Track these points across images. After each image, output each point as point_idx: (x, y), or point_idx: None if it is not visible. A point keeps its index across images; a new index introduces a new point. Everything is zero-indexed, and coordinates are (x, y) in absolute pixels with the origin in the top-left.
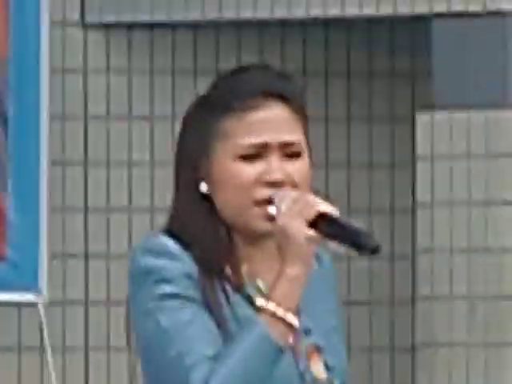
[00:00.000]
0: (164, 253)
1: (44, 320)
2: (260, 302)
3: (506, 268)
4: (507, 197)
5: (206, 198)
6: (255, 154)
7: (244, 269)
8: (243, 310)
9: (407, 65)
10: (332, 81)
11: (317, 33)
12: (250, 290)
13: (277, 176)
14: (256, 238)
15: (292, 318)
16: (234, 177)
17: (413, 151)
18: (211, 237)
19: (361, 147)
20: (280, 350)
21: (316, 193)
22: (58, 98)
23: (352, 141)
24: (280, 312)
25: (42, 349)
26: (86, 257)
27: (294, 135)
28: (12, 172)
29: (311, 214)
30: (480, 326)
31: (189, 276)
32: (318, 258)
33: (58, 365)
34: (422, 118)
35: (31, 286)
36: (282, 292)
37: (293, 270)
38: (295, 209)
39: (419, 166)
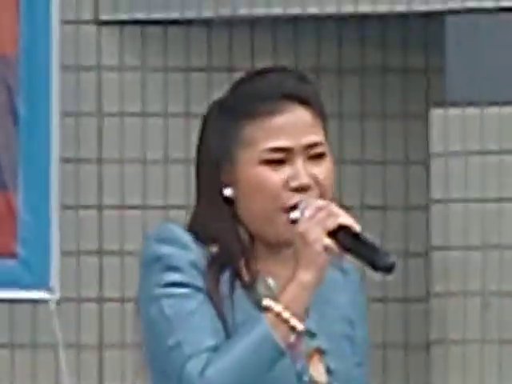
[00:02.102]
0: (174, 240)
1: (56, 317)
2: (267, 301)
3: None
4: None
5: (229, 202)
6: (280, 158)
7: (258, 267)
8: (244, 304)
9: (421, 61)
10: (345, 77)
11: (330, 29)
12: (259, 288)
13: (304, 180)
14: (277, 246)
15: (296, 322)
16: (260, 183)
17: (427, 148)
18: (231, 235)
19: (375, 144)
20: (280, 352)
21: (341, 205)
22: (71, 95)
23: (366, 138)
24: (286, 314)
25: (55, 346)
26: (100, 254)
27: (317, 136)
28: (22, 170)
29: (332, 225)
30: (494, 322)
31: (196, 266)
32: (343, 269)
33: (73, 362)
34: (436, 115)
35: (43, 283)
36: (291, 296)
37: (305, 276)
38: (318, 217)
39: (434, 163)
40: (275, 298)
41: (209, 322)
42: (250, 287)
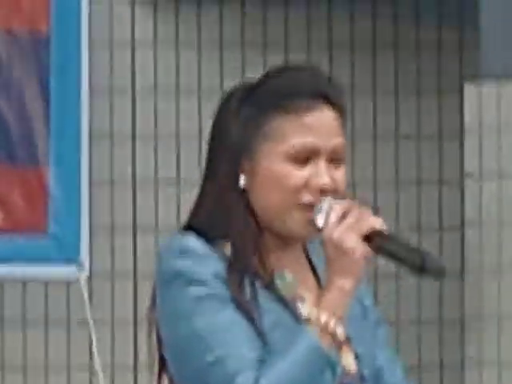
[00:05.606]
0: (191, 253)
1: (86, 294)
2: (311, 313)
3: None
4: None
5: (242, 192)
6: (305, 156)
7: (271, 261)
8: (268, 304)
9: (455, 36)
10: (380, 53)
11: (364, 5)
12: (277, 282)
13: (325, 181)
14: (288, 239)
15: (341, 332)
16: (283, 178)
17: (461, 123)
18: (243, 229)
19: (409, 120)
20: (329, 361)
21: (363, 203)
22: (105, 72)
23: (401, 113)
24: (332, 326)
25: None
26: (135, 230)
27: (343, 139)
28: (53, 146)
29: (366, 229)
30: None
31: (218, 275)
32: None
33: (107, 338)
34: (470, 89)
35: (73, 259)
36: (333, 303)
37: (345, 284)
38: (348, 222)
39: (467, 137)
40: (293, 292)
41: (245, 333)
42: (269, 285)
